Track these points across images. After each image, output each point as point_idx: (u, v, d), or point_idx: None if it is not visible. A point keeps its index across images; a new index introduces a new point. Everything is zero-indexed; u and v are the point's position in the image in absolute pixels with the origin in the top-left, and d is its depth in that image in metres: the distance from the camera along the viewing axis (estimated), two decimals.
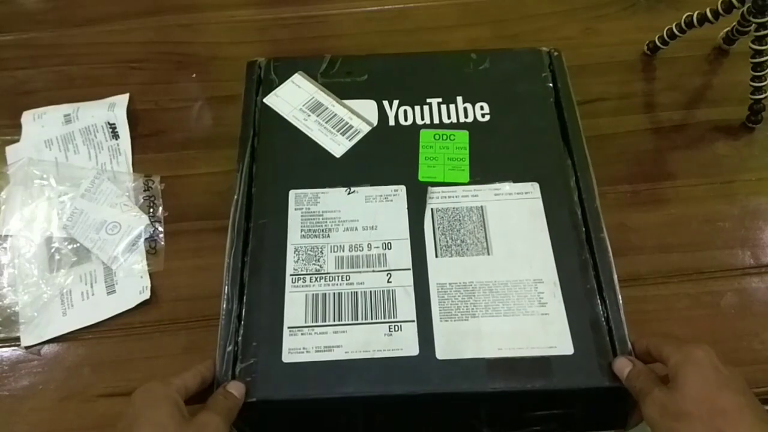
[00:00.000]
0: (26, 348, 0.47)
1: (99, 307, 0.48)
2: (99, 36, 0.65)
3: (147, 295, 0.48)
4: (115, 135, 0.56)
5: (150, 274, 0.49)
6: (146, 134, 0.57)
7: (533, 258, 0.45)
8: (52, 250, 0.50)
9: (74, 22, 0.66)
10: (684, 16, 0.57)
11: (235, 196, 0.48)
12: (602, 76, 0.60)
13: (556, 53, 0.55)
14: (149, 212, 0.52)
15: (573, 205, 0.48)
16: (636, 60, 0.62)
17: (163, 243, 0.51)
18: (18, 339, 0.47)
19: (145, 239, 0.51)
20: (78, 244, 0.51)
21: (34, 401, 0.45)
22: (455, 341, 0.42)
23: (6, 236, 0.51)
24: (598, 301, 0.43)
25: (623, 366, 0.40)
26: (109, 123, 0.57)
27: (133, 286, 0.49)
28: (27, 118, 0.57)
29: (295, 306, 0.44)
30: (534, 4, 0.66)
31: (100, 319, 0.48)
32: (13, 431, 0.44)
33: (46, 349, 0.47)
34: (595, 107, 0.54)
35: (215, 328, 0.47)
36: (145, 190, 0.54)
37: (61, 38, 0.65)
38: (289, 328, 0.43)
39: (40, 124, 0.57)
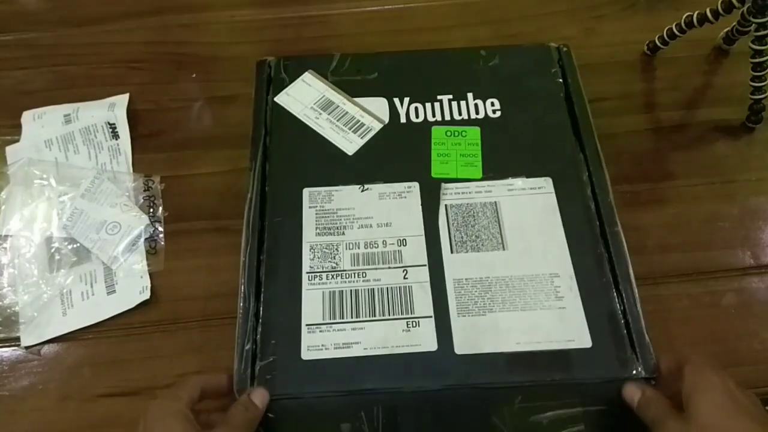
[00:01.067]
0: (26, 348, 0.47)
1: (99, 307, 0.48)
2: (99, 36, 0.65)
3: (147, 295, 0.48)
4: (115, 135, 0.56)
5: (150, 274, 0.49)
6: (146, 134, 0.57)
7: (548, 252, 0.45)
8: (52, 250, 0.50)
9: (74, 22, 0.66)
10: (684, 16, 0.57)
11: (249, 195, 0.48)
12: (602, 76, 0.60)
13: (565, 49, 0.56)
14: (149, 212, 0.52)
15: (586, 199, 0.48)
16: (636, 60, 0.62)
17: (163, 243, 0.51)
18: (18, 339, 0.47)
19: (145, 239, 0.51)
20: (78, 244, 0.50)
21: (34, 401, 0.45)
22: (473, 336, 0.42)
23: (6, 236, 0.51)
24: (615, 294, 0.44)
25: (632, 393, 0.39)
26: (109, 123, 0.57)
27: (133, 286, 0.49)
28: (27, 118, 0.57)
29: (312, 303, 0.44)
30: (534, 4, 0.66)
31: (100, 319, 0.48)
32: (13, 431, 0.44)
33: (46, 349, 0.47)
34: (595, 107, 0.54)
35: (216, 328, 0.47)
36: (145, 190, 0.54)
37: (61, 38, 0.65)
38: (307, 325, 0.43)
39: (40, 124, 0.57)
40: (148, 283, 0.49)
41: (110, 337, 0.47)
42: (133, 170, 0.55)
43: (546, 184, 0.49)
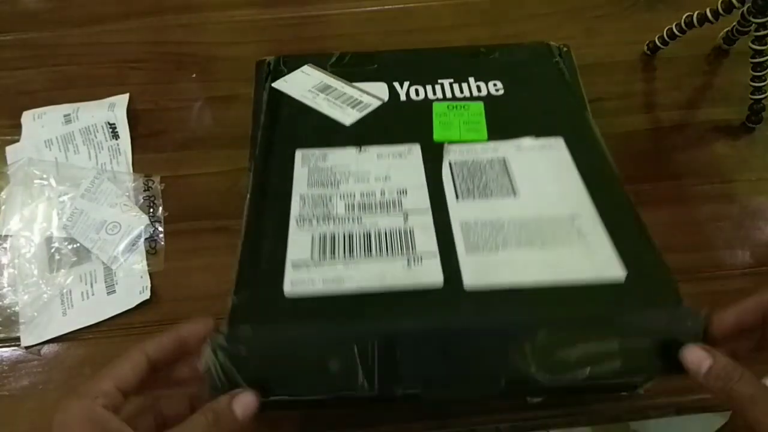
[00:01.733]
0: (26, 348, 0.47)
1: (99, 307, 0.48)
2: (99, 36, 0.65)
3: (147, 295, 0.48)
4: (115, 135, 0.56)
5: (150, 274, 0.49)
6: (146, 134, 0.57)
7: (566, 197, 0.41)
8: (52, 250, 0.50)
9: (74, 22, 0.66)
10: (684, 16, 0.57)
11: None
12: (602, 76, 0.60)
13: (565, 49, 0.56)
14: (149, 212, 0.52)
15: (602, 151, 0.45)
16: (636, 60, 0.62)
17: (163, 243, 0.51)
18: (18, 339, 0.47)
19: (145, 239, 0.51)
20: (78, 244, 0.50)
21: (34, 401, 0.45)
22: (486, 270, 0.37)
23: (6, 236, 0.51)
24: (645, 233, 0.39)
25: (699, 359, 0.32)
26: (109, 123, 0.57)
27: (133, 286, 0.49)
28: (27, 118, 0.57)
29: (299, 245, 0.39)
30: (534, 4, 0.66)
31: (100, 319, 0.48)
32: (13, 431, 0.44)
33: (46, 349, 0.47)
34: (595, 107, 0.54)
35: None
36: (145, 190, 0.54)
37: (61, 38, 0.65)
38: (292, 262, 0.38)
39: (40, 124, 0.57)
40: (148, 283, 0.49)
41: (110, 337, 0.47)
42: (133, 170, 0.55)
43: (557, 142, 0.45)
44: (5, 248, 0.51)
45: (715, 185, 0.54)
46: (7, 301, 0.49)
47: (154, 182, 0.54)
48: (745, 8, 0.53)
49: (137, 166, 0.55)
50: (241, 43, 0.64)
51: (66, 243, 0.51)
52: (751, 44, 0.53)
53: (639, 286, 0.36)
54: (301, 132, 0.48)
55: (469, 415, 0.43)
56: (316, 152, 0.46)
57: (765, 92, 0.55)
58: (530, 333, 0.34)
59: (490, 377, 0.35)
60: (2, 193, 0.53)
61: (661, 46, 0.60)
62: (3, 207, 0.53)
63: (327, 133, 0.48)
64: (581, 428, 0.64)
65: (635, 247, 0.38)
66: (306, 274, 0.37)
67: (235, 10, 0.66)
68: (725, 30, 0.60)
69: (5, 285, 0.49)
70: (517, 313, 0.35)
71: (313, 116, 0.49)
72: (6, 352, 0.47)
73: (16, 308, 0.48)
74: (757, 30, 0.52)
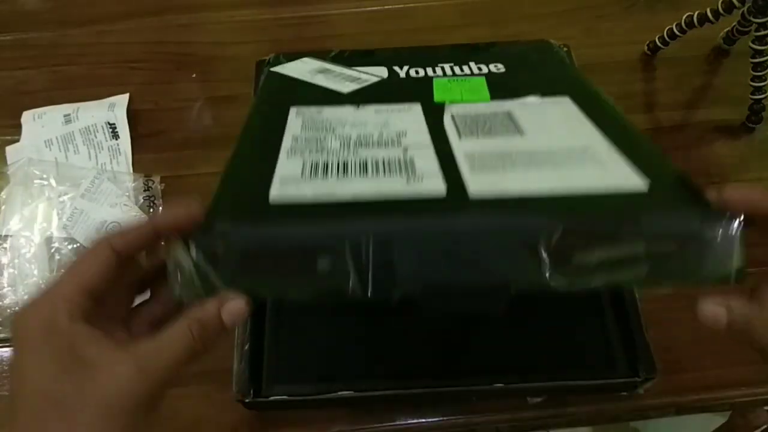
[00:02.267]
0: None
1: None
2: (99, 36, 0.65)
3: (147, 295, 0.48)
4: (115, 135, 0.56)
5: None
6: (146, 134, 0.57)
7: (576, 134, 0.39)
8: (52, 250, 0.50)
9: (74, 22, 0.66)
10: (684, 16, 0.57)
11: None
12: (602, 76, 0.60)
13: (565, 49, 0.55)
14: (149, 212, 0.52)
15: (611, 107, 0.43)
16: (636, 60, 0.62)
17: (163, 243, 0.51)
18: None
19: None
20: (78, 244, 0.51)
21: None
22: (494, 180, 0.34)
23: (6, 236, 0.51)
24: (666, 157, 0.37)
25: (715, 313, 0.30)
26: (109, 123, 0.57)
27: None
28: (27, 118, 0.57)
29: (289, 166, 0.36)
30: (534, 4, 0.66)
31: None
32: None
33: None
34: None
35: None
36: (145, 190, 0.54)
37: (61, 38, 0.65)
38: (281, 178, 0.34)
39: (40, 124, 0.57)
40: None
41: None
42: (133, 170, 0.55)
43: (564, 100, 0.43)
44: (5, 248, 0.51)
45: (715, 185, 0.54)
46: (7, 301, 0.49)
47: (154, 182, 0.54)
48: (745, 8, 0.53)
49: (137, 166, 0.55)
50: (241, 43, 0.64)
51: (66, 243, 0.51)
52: (751, 44, 0.53)
53: (664, 193, 0.34)
54: (297, 95, 0.46)
55: (469, 415, 0.44)
56: (312, 108, 0.43)
57: (765, 92, 0.55)
58: (545, 232, 0.30)
59: (497, 284, 0.31)
60: (2, 193, 0.54)
61: (661, 46, 0.60)
62: (3, 207, 0.53)
63: (324, 98, 0.46)
64: (581, 428, 0.64)
65: (656, 165, 0.36)
66: (294, 187, 0.34)
67: (235, 10, 0.66)
68: (725, 30, 0.60)
69: (5, 285, 0.50)
70: (530, 214, 0.32)
71: (310, 87, 0.48)
72: (6, 352, 0.47)
73: (17, 308, 0.48)
74: (757, 30, 0.52)
